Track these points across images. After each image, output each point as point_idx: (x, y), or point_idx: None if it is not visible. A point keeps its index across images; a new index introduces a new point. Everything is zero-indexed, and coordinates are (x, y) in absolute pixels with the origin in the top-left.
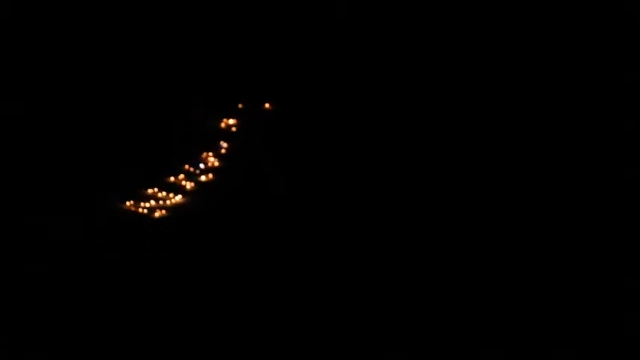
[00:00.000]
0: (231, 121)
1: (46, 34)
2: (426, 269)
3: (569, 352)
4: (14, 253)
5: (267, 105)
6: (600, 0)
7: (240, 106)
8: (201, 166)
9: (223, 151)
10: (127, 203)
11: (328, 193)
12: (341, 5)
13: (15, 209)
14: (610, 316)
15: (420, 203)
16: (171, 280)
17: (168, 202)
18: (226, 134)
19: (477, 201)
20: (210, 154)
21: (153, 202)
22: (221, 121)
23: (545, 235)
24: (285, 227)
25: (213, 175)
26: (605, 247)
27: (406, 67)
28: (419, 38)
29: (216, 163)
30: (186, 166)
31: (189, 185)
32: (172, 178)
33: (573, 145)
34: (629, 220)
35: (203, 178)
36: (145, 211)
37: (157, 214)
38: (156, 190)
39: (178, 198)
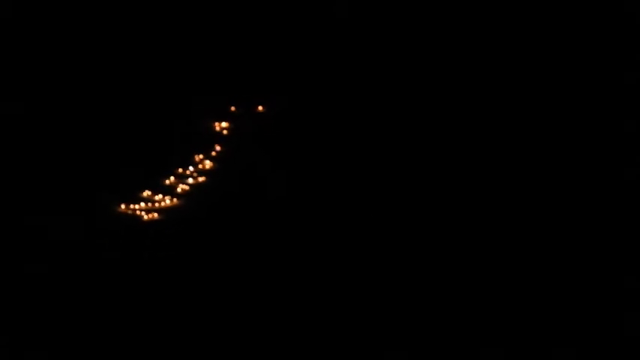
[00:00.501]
0: (224, 124)
1: (46, 34)
2: (426, 269)
3: (569, 352)
4: (14, 253)
5: (260, 108)
6: (600, 0)
7: (232, 109)
8: (191, 168)
9: (214, 153)
10: (123, 206)
11: (324, 196)
12: (341, 5)
13: (15, 209)
14: (610, 316)
15: (420, 203)
16: (172, 281)
17: (165, 203)
18: (219, 137)
19: (476, 201)
20: (201, 156)
21: (150, 205)
22: (214, 124)
23: (545, 235)
24: (281, 229)
25: (208, 177)
26: (605, 247)
27: (406, 69)
28: (419, 39)
29: (210, 166)
30: (180, 169)
31: (184, 187)
32: (168, 181)
33: (573, 145)
34: (629, 220)
35: (198, 180)
36: (142, 213)
37: (155, 216)
38: (150, 193)
39: (174, 200)
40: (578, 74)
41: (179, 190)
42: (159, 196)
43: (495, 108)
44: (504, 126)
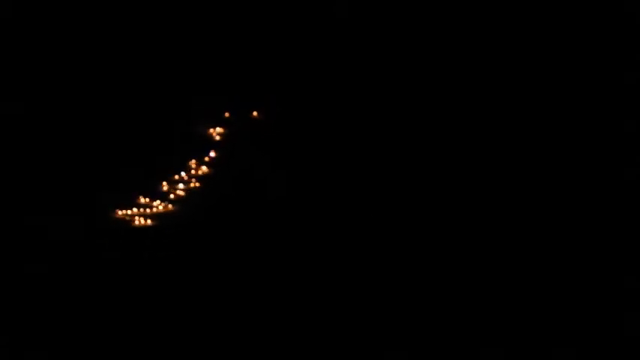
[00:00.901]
0: (219, 130)
1: (46, 34)
2: (426, 269)
3: (569, 352)
4: (14, 253)
5: (254, 113)
6: (600, 0)
7: (227, 114)
8: (185, 174)
9: (207, 159)
10: (120, 212)
11: (320, 200)
12: (341, 5)
13: (15, 209)
14: (610, 316)
15: (419, 203)
16: (172, 281)
17: (158, 209)
18: (214, 143)
19: (476, 201)
20: (195, 162)
21: (144, 210)
22: (208, 130)
23: (545, 235)
24: (277, 233)
25: (203, 183)
26: (605, 247)
27: (404, 70)
28: (418, 41)
29: (205, 172)
30: (176, 176)
31: (179, 193)
32: (162, 187)
33: (573, 145)
34: (629, 220)
35: (192, 185)
36: (139, 218)
37: (149, 222)
38: (147, 200)
39: (169, 206)
40: (578, 74)
41: (172, 196)
42: (156, 202)
43: (495, 108)
44: (504, 126)
